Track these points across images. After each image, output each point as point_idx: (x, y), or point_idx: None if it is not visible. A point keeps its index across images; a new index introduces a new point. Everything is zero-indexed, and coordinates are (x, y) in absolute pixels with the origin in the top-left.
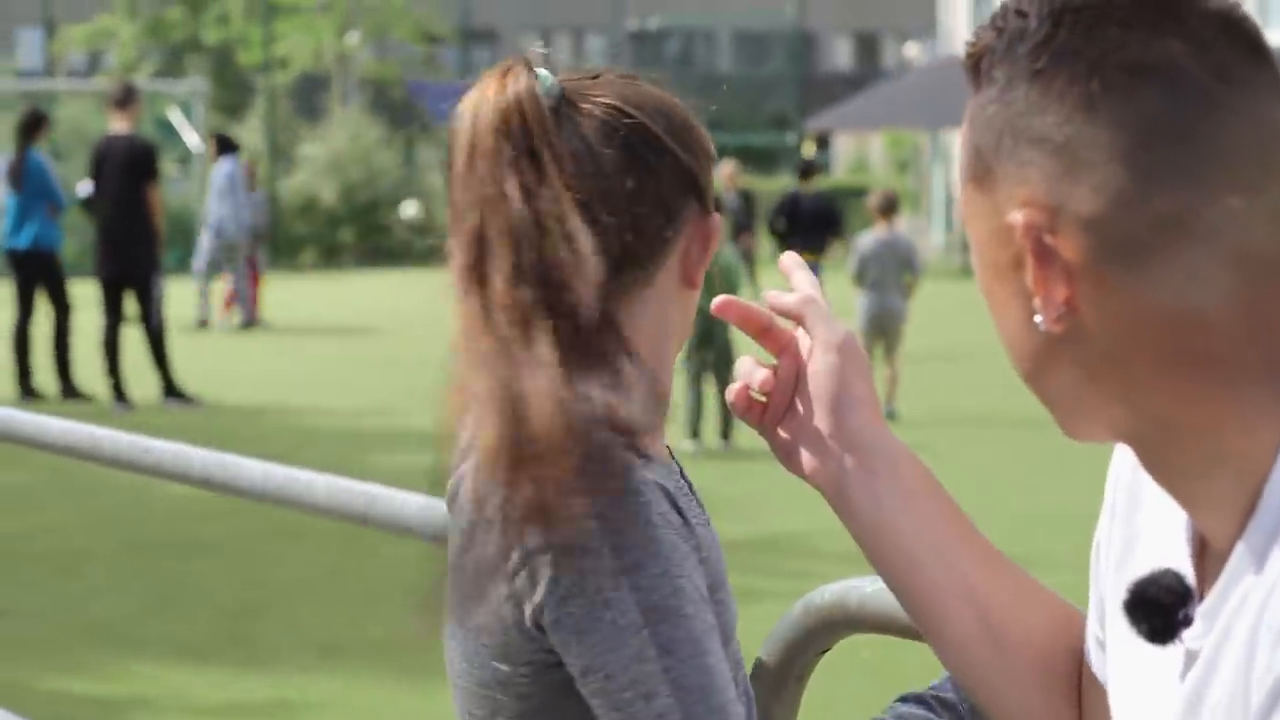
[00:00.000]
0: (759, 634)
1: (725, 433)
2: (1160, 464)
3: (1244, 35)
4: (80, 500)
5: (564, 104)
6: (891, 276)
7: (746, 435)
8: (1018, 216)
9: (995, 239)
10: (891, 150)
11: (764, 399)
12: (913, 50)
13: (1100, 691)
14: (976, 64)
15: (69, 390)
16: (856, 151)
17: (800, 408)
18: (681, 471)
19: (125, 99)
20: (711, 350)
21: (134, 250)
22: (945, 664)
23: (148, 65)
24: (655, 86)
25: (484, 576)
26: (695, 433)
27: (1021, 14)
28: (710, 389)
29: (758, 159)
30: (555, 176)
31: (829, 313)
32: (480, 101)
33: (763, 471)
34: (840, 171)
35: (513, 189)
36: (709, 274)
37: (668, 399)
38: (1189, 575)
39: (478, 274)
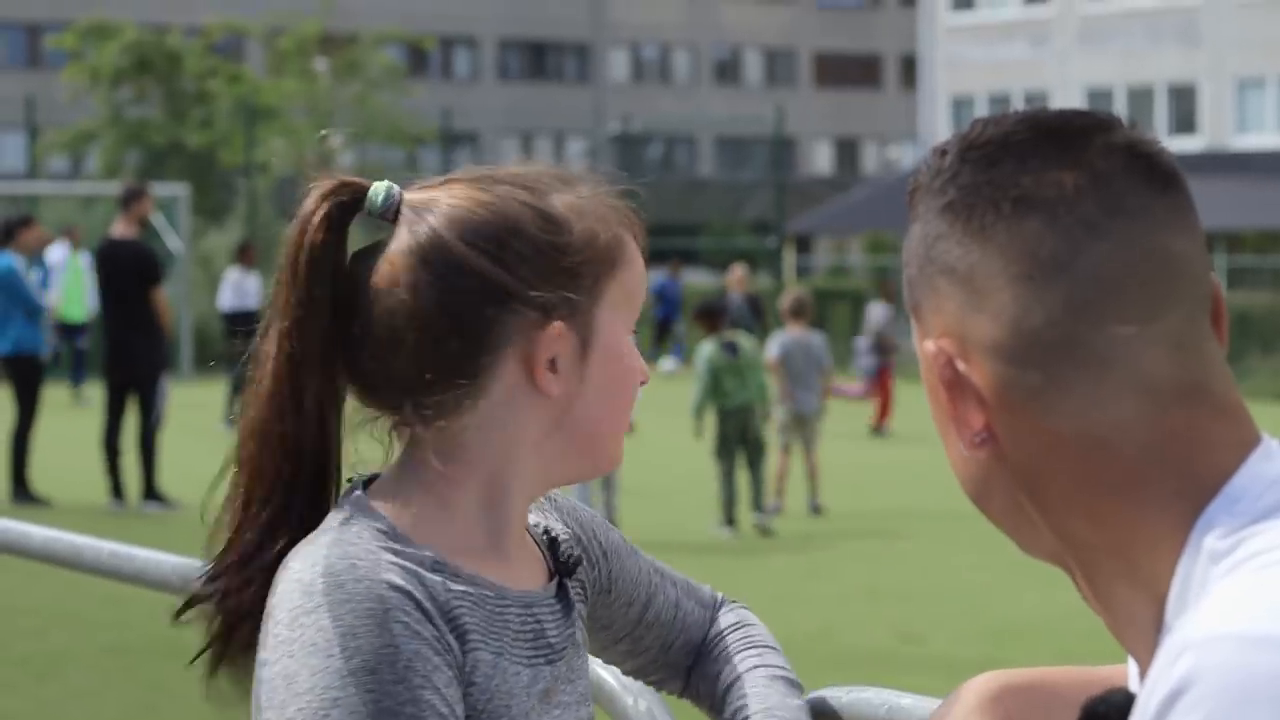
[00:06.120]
0: None
1: (758, 505)
2: (1086, 586)
3: (1149, 166)
4: (58, 603)
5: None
6: (808, 376)
7: (777, 522)
8: (930, 346)
9: (927, 366)
10: (871, 253)
11: None
12: (895, 153)
13: None
14: (911, 199)
15: (23, 494)
16: (837, 254)
17: None
18: (549, 606)
19: (128, 199)
20: (744, 444)
21: (142, 354)
22: None
23: (129, 169)
24: (507, 185)
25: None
26: (730, 520)
27: (943, 152)
28: (744, 478)
29: (739, 262)
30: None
31: None
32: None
33: (766, 567)
34: (820, 274)
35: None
36: (738, 367)
37: (502, 508)
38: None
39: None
